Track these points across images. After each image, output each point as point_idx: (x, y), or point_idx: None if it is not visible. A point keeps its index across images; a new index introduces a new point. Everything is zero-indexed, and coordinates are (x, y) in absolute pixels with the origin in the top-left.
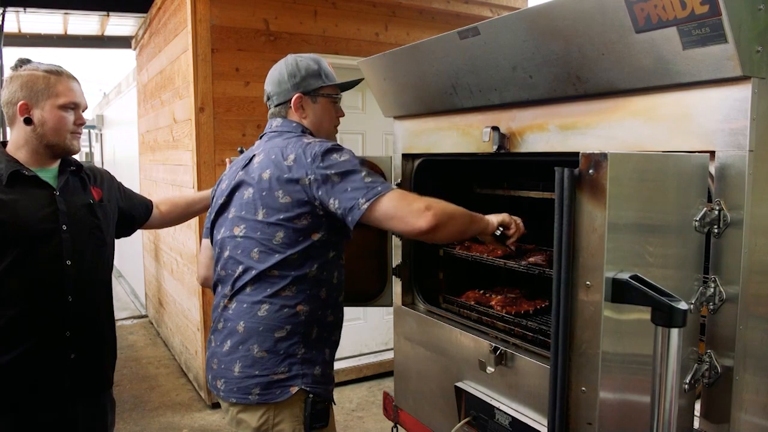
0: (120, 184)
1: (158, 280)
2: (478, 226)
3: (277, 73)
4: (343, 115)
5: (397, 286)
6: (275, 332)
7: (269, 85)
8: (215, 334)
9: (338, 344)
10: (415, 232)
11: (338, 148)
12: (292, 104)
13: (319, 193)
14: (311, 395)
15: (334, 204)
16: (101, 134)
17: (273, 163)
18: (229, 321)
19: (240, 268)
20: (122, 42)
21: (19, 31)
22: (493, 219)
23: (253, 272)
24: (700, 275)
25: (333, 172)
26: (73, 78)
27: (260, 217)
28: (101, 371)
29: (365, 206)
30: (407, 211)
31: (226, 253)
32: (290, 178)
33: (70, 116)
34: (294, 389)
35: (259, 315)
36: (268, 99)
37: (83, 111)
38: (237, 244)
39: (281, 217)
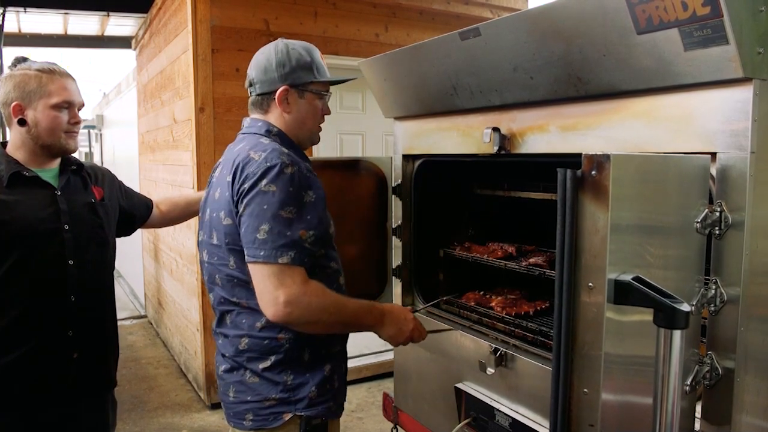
0: (121, 183)
1: (158, 280)
2: (364, 326)
3: (265, 59)
4: (329, 113)
5: (397, 287)
6: (259, 363)
7: (253, 71)
8: (216, 345)
9: (344, 353)
10: (266, 314)
11: (279, 174)
12: (276, 97)
13: (240, 215)
14: (306, 418)
15: (242, 232)
16: (101, 134)
17: (224, 177)
18: (219, 347)
19: (214, 297)
20: (122, 42)
21: (19, 31)
22: (388, 329)
23: (225, 303)
24: (701, 277)
25: (257, 201)
26: (67, 75)
27: (214, 240)
28: (104, 371)
29: (247, 259)
30: (266, 292)
31: (205, 277)
32: (228, 197)
33: (64, 115)
34: (287, 416)
35: (241, 349)
36: (251, 85)
37: (79, 109)
38: (206, 270)
39: (227, 241)
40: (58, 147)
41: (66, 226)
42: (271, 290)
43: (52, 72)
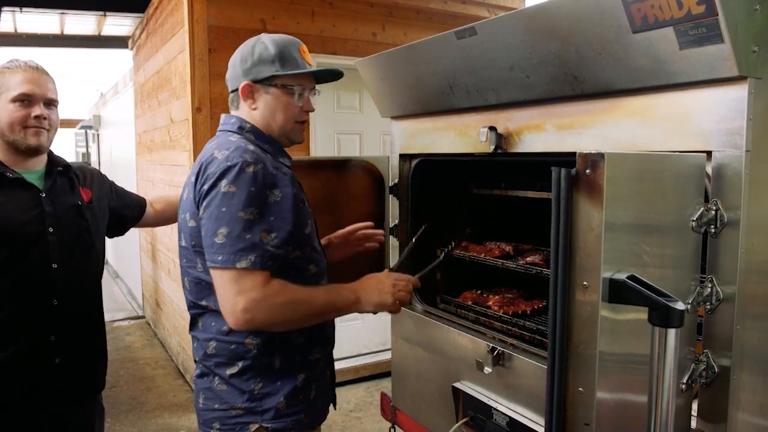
0: (112, 183)
1: (155, 280)
2: (342, 310)
3: (235, 56)
4: (311, 110)
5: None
6: (227, 369)
7: (228, 67)
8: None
9: (323, 361)
10: (227, 322)
11: (239, 173)
12: (240, 92)
13: (200, 217)
14: (272, 430)
15: (202, 235)
16: (98, 134)
17: (191, 177)
18: (193, 351)
19: (186, 300)
20: (119, 42)
21: (15, 30)
22: (369, 300)
23: (195, 306)
24: (697, 275)
25: (215, 203)
26: (36, 70)
27: (183, 242)
28: (88, 377)
29: (209, 264)
30: (225, 299)
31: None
32: (192, 198)
33: (23, 110)
34: (253, 427)
35: (209, 353)
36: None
37: (48, 104)
38: (181, 273)
39: (193, 243)
40: (21, 144)
41: (51, 229)
42: (230, 297)
43: (16, 66)
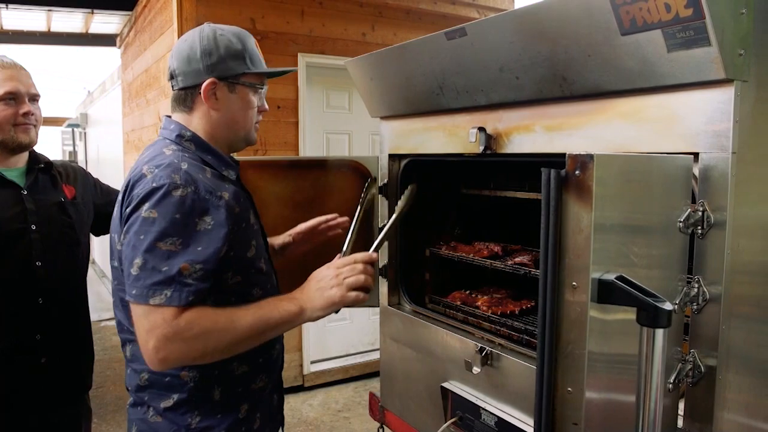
0: (96, 181)
1: None
2: (283, 326)
3: (188, 47)
4: (266, 110)
5: (383, 286)
6: (161, 402)
7: (175, 60)
8: None
9: (269, 387)
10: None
11: (163, 197)
12: (202, 91)
13: (120, 243)
14: None
15: (122, 259)
16: (85, 133)
17: (120, 193)
18: (125, 379)
19: (116, 323)
20: (107, 40)
21: (1, 27)
22: (316, 304)
23: (125, 331)
24: (684, 276)
25: (134, 229)
26: (13, 67)
27: (115, 262)
28: (76, 376)
29: (127, 298)
30: (140, 337)
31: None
32: (119, 218)
33: (11, 107)
34: None
35: (141, 385)
36: (172, 78)
37: (32, 100)
38: (112, 292)
39: (122, 266)
40: (10, 141)
41: (33, 227)
42: (142, 335)
43: None
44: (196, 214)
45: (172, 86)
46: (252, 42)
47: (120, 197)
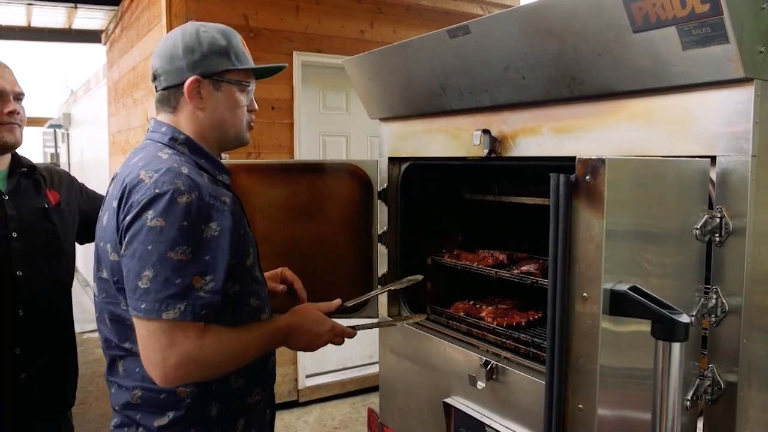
0: (82, 186)
1: None
2: (272, 350)
3: (170, 45)
4: (255, 109)
5: (382, 296)
6: (155, 420)
7: (157, 59)
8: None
9: (264, 401)
10: (152, 377)
11: (169, 204)
12: (185, 89)
13: (122, 255)
14: None
15: (124, 276)
16: (68, 134)
17: (112, 200)
18: (111, 398)
19: (103, 339)
20: (91, 36)
21: None
22: (298, 342)
23: (115, 347)
24: (701, 286)
25: (140, 239)
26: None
27: (104, 273)
28: (58, 392)
29: (131, 311)
30: (152, 352)
31: (96, 314)
32: (114, 227)
33: None
34: None
35: (133, 403)
36: (155, 78)
37: (17, 98)
38: (96, 306)
39: (116, 279)
40: None
41: (14, 234)
42: (158, 351)
43: None
44: (203, 220)
45: (156, 87)
46: (238, 39)
47: (114, 203)
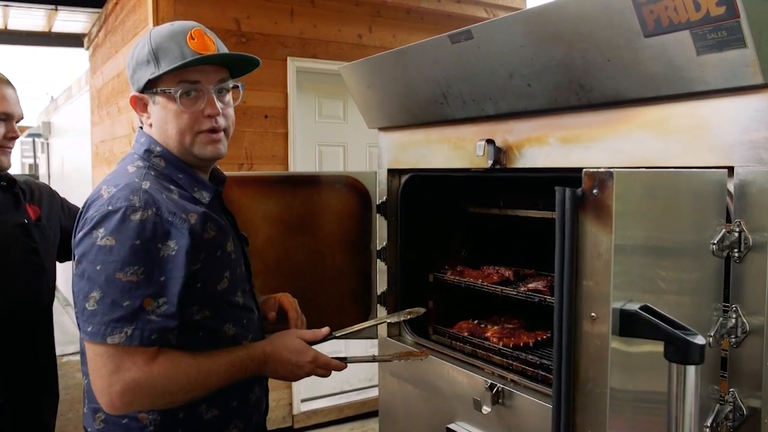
0: (63, 200)
1: None
2: (245, 378)
3: (130, 56)
4: (215, 113)
5: (382, 315)
6: None
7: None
8: None
9: (246, 422)
10: (99, 403)
11: (121, 221)
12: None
13: (73, 274)
14: None
15: (74, 296)
16: (47, 144)
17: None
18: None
19: (81, 355)
20: (73, 40)
21: None
22: (278, 371)
23: (84, 369)
24: (719, 304)
25: (89, 258)
26: (6, 83)
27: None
28: (36, 420)
29: (81, 334)
30: (98, 378)
31: None
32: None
33: (0, 128)
34: None
35: (97, 428)
36: None
37: (17, 121)
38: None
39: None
40: None
41: None
42: (104, 376)
43: None
44: (158, 239)
45: None
46: (178, 37)
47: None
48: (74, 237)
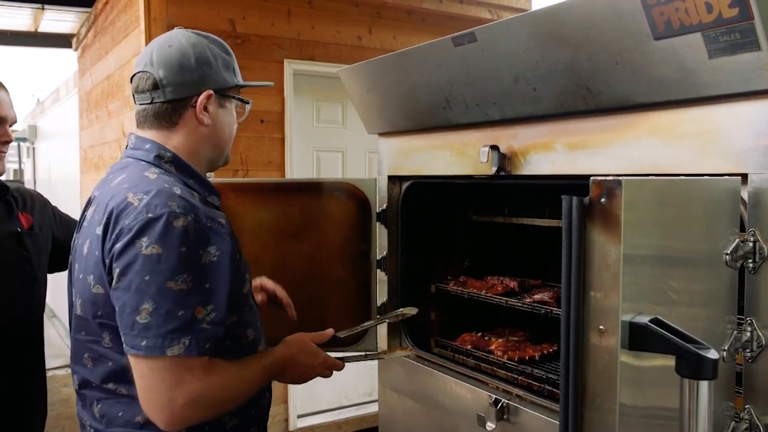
0: (55, 209)
1: None
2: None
3: (178, 54)
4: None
5: (382, 327)
6: None
7: (162, 69)
8: None
9: None
10: (154, 420)
11: (165, 228)
12: (197, 104)
13: (114, 288)
14: None
15: (117, 311)
16: (33, 148)
17: (95, 226)
18: None
19: (78, 380)
20: (60, 40)
21: None
22: (291, 375)
23: (96, 389)
24: (733, 317)
25: (135, 269)
26: (4, 88)
27: (79, 310)
28: None
29: (127, 349)
30: (156, 393)
31: (70, 354)
32: (98, 257)
33: None
34: None
35: None
36: (156, 88)
37: (11, 125)
38: (72, 344)
39: (99, 313)
40: None
41: None
42: (164, 391)
43: None
44: (201, 245)
45: (153, 99)
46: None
47: (98, 230)
48: (104, 249)
